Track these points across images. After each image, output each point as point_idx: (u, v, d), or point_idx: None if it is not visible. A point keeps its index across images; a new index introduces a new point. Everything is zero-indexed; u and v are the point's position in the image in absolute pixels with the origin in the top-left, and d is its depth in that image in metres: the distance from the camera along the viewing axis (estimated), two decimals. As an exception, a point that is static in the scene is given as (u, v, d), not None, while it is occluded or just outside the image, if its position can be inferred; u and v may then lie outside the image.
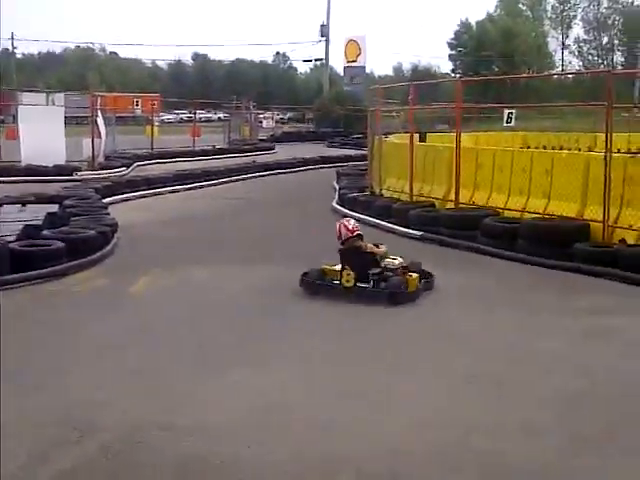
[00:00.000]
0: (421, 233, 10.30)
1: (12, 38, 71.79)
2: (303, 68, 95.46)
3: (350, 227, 7.12)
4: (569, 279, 7.84)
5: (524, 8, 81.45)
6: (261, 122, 43.84)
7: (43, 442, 3.72)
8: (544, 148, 16.99)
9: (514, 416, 4.14)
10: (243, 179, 19.75)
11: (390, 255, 7.09)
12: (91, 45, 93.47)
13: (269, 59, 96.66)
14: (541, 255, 8.41)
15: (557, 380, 4.74)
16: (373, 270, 6.84)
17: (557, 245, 8.42)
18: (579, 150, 15.12)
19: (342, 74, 60.99)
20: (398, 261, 7.03)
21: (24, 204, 11.22)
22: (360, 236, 7.12)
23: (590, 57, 78.79)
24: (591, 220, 8.82)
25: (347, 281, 6.83)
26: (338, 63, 64.38)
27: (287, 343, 5.52)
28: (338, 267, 7.05)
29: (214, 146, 29.28)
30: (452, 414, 4.17)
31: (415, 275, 6.96)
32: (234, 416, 4.10)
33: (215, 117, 56.13)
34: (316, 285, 7.00)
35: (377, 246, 7.16)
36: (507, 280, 7.98)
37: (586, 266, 7.89)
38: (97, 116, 21.27)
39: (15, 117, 23.59)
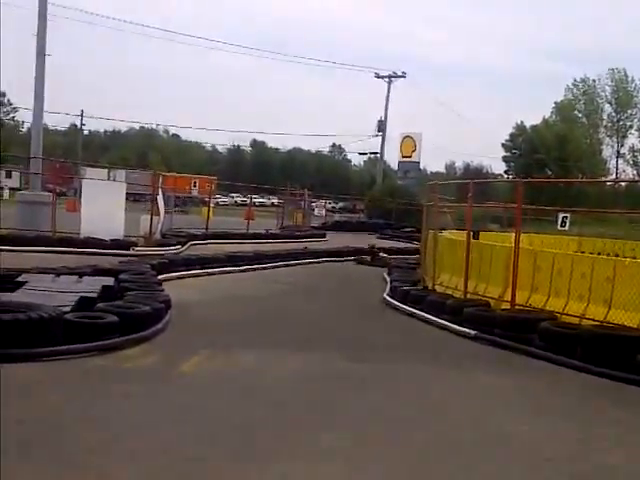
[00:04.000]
0: (475, 332, 10.09)
1: (81, 115, 75.23)
2: (357, 160, 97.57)
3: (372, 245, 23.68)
4: (628, 391, 7.49)
5: (580, 115, 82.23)
6: (313, 210, 44.49)
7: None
8: (598, 254, 16.71)
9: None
10: (294, 264, 19.78)
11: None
12: (154, 127, 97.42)
13: (325, 149, 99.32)
14: (600, 364, 8.05)
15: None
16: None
17: (618, 355, 8.06)
18: (634, 258, 14.84)
19: (395, 168, 61.95)
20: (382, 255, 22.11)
21: (81, 275, 11.38)
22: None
23: (645, 167, 78.81)
24: (655, 332, 8.50)
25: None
26: (392, 157, 65.61)
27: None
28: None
29: (267, 230, 29.69)
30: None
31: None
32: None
33: (269, 202, 57.39)
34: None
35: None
36: (560, 387, 7.69)
37: (649, 380, 7.55)
38: (157, 194, 21.84)
39: (77, 190, 24.42)
